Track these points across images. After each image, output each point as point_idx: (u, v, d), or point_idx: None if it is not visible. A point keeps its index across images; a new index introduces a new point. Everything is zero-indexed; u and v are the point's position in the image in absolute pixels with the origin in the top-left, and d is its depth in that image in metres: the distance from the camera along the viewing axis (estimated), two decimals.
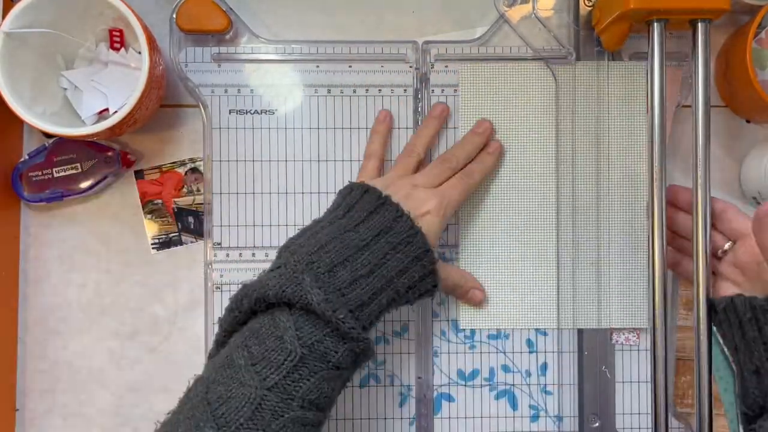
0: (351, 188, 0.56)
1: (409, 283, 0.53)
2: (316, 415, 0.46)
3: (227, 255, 0.64)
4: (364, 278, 0.50)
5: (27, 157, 0.63)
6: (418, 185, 0.57)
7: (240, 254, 0.64)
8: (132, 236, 0.65)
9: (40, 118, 0.56)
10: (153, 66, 0.56)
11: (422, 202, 0.55)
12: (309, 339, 0.46)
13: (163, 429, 0.45)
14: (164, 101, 0.64)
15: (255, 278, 0.50)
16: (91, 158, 0.63)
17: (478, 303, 0.63)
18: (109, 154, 0.63)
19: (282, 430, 0.44)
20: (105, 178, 0.63)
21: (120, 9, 0.56)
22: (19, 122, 0.60)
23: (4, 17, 0.55)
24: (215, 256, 0.64)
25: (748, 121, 0.67)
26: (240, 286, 0.50)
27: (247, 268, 0.64)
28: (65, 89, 0.62)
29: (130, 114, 0.56)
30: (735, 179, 0.66)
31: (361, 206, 0.53)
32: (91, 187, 0.63)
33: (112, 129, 0.56)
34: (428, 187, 0.58)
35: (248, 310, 0.49)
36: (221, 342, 0.50)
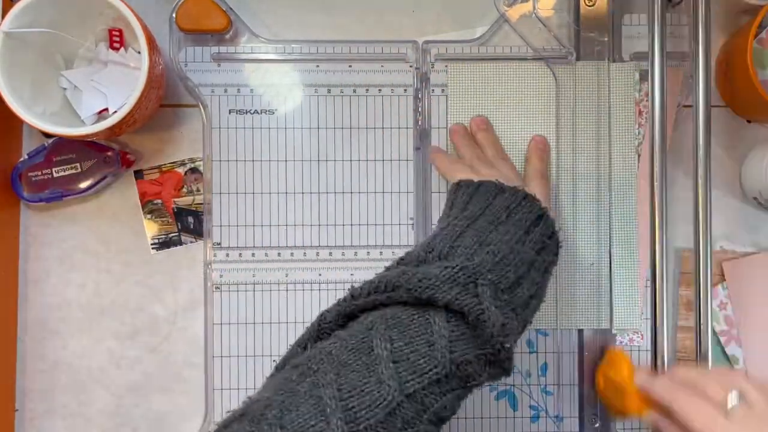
0: (500, 188, 0.53)
1: (543, 268, 0.51)
2: (437, 428, 0.43)
3: (227, 255, 0.64)
4: (533, 298, 0.48)
5: (27, 157, 0.63)
6: (494, 161, 0.60)
7: (240, 254, 0.64)
8: (132, 236, 0.65)
9: (39, 118, 0.56)
10: (153, 66, 0.56)
11: (538, 188, 0.58)
12: (461, 356, 0.43)
13: (279, 400, 0.40)
14: (164, 101, 0.64)
15: (398, 271, 0.46)
16: (91, 158, 0.63)
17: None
18: (109, 154, 0.63)
19: None
20: (105, 178, 0.63)
21: (120, 9, 0.56)
22: (19, 122, 0.60)
23: (4, 17, 0.55)
24: (215, 256, 0.64)
25: (748, 121, 0.67)
26: (381, 275, 0.47)
27: (247, 268, 0.64)
28: (65, 89, 0.62)
29: (130, 114, 0.56)
30: (735, 179, 0.66)
31: (523, 215, 0.52)
32: (90, 187, 0.63)
33: (111, 129, 0.56)
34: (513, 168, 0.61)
35: (397, 299, 0.45)
36: (344, 316, 0.46)
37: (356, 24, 0.66)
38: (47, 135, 0.63)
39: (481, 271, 0.45)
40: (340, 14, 0.66)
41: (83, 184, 0.63)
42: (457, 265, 0.45)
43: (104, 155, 0.63)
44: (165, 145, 0.65)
